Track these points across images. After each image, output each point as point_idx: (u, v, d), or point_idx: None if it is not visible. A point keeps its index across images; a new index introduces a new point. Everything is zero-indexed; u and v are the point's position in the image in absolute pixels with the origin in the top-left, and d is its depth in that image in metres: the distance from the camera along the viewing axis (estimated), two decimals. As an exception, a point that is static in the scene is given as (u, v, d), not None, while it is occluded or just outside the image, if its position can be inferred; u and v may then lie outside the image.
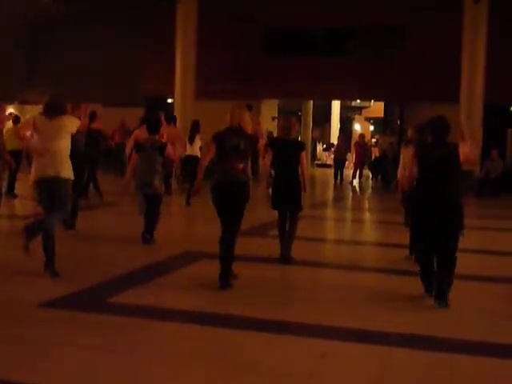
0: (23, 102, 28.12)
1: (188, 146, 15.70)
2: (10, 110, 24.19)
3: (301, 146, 9.12)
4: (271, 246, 9.33)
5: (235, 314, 6.58)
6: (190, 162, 15.48)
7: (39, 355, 5.20)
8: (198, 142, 15.62)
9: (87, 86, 25.84)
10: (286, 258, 8.91)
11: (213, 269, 8.38)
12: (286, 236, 8.98)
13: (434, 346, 5.81)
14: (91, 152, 15.26)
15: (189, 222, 13.50)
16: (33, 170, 7.81)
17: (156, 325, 6.16)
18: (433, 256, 7.20)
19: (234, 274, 7.64)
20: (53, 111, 7.85)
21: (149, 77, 25.87)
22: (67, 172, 7.75)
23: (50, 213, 7.68)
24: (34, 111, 22.84)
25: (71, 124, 7.90)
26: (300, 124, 34.84)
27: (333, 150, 29.78)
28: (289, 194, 8.93)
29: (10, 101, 28.13)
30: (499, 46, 21.91)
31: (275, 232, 9.29)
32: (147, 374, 4.92)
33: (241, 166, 7.35)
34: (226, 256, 7.46)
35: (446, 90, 22.49)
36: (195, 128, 15.69)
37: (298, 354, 5.44)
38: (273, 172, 9.16)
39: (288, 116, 10.03)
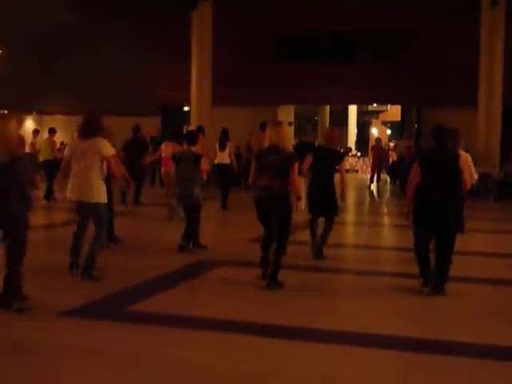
0: (41, 112, 28.33)
1: (218, 153, 15.79)
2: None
3: (341, 157, 9.88)
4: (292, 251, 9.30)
5: (252, 320, 6.57)
6: (221, 170, 15.73)
7: (57, 365, 5.21)
8: (227, 150, 15.71)
9: (102, 95, 25.99)
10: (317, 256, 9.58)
11: (230, 276, 8.41)
12: (320, 238, 9.66)
13: (445, 350, 5.78)
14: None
15: (212, 229, 13.46)
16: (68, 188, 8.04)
17: (175, 332, 6.16)
18: (428, 251, 7.74)
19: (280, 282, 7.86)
20: (84, 132, 7.88)
21: (164, 85, 25.95)
22: (95, 197, 7.83)
23: (93, 239, 7.95)
24: (51, 121, 23.11)
25: (101, 147, 7.84)
26: (317, 129, 34.93)
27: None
28: (325, 200, 9.49)
29: (28, 111, 28.34)
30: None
31: (295, 237, 9.32)
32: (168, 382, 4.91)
33: (276, 181, 7.67)
34: (275, 260, 7.84)
35: (464, 93, 22.38)
36: (225, 136, 15.81)
37: (316, 360, 5.42)
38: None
39: (332, 127, 10.96)
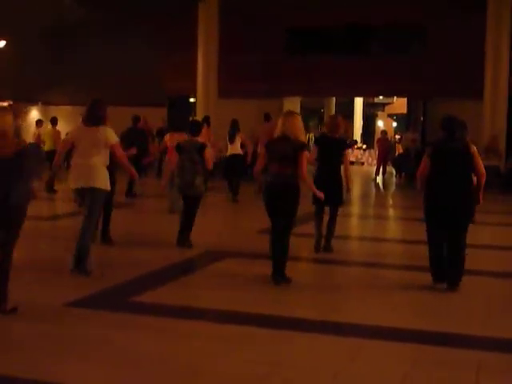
0: (46, 103, 28.32)
1: (228, 145, 15.93)
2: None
3: (345, 145, 9.71)
4: (297, 244, 9.30)
5: (257, 312, 6.56)
6: (233, 161, 15.81)
7: (64, 354, 5.22)
8: (238, 141, 15.81)
9: (108, 85, 25.92)
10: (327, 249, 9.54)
11: (236, 267, 8.39)
12: (327, 230, 9.57)
13: (455, 343, 5.79)
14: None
15: (216, 220, 13.45)
16: (70, 178, 7.95)
17: (178, 324, 6.16)
18: (442, 244, 7.60)
19: (287, 278, 7.72)
20: (89, 120, 7.86)
21: (171, 76, 25.89)
22: (98, 182, 7.78)
23: (84, 229, 7.78)
24: (57, 112, 23.11)
25: (108, 135, 7.85)
26: (322, 121, 34.87)
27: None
28: (329, 190, 9.18)
29: (34, 102, 28.33)
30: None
31: (297, 230, 9.26)
32: (170, 374, 4.92)
33: (288, 170, 7.62)
34: (279, 256, 7.68)
35: (470, 86, 22.28)
36: (235, 127, 15.84)
37: (322, 353, 5.42)
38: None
39: (334, 115, 10.80)
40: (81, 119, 8.12)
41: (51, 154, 16.65)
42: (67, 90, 27.64)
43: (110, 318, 6.26)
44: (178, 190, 10.10)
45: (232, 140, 15.76)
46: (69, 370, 4.95)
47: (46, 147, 16.92)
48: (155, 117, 23.21)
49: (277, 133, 7.81)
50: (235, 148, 15.80)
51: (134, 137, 16.26)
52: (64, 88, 27.68)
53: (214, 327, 6.09)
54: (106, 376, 4.85)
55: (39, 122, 19.75)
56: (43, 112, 27.74)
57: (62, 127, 19.52)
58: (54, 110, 26.38)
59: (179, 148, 10.08)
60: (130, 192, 16.08)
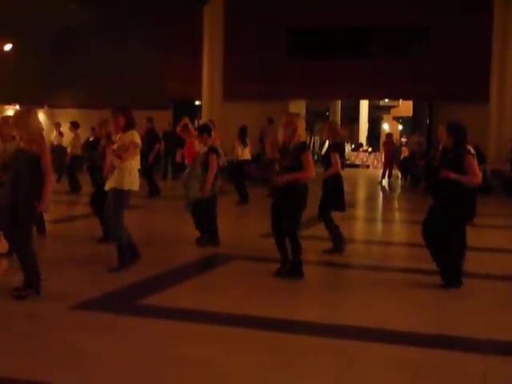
0: (52, 106, 28.36)
1: (242, 149, 16.51)
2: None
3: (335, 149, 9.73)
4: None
5: (260, 315, 6.56)
6: (244, 165, 16.52)
7: (69, 359, 5.22)
8: (249, 146, 16.73)
9: (114, 89, 25.94)
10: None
11: (240, 270, 8.39)
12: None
13: (459, 346, 5.77)
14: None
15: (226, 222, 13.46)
16: (128, 181, 8.07)
17: (186, 326, 6.16)
18: None
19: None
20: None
21: (176, 79, 25.93)
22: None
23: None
24: (63, 115, 23.13)
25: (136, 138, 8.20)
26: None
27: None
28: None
29: (40, 105, 28.35)
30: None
31: (302, 233, 9.26)
32: (177, 377, 4.90)
33: None
34: None
35: (476, 89, 22.26)
36: (245, 133, 16.64)
37: (327, 355, 5.41)
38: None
39: (331, 121, 11.20)
40: (127, 125, 8.35)
41: (74, 158, 17.09)
42: (72, 94, 27.67)
43: (114, 321, 6.26)
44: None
45: (245, 145, 16.48)
46: (68, 373, 4.94)
47: (76, 151, 17.42)
48: (160, 120, 23.18)
49: (303, 136, 7.97)
50: (247, 153, 16.56)
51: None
52: (69, 91, 27.70)
53: (216, 329, 6.08)
54: (105, 380, 4.85)
55: (58, 125, 20.04)
56: (49, 115, 27.77)
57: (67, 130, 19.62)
58: (60, 114, 26.47)
59: (216, 151, 10.18)
60: (157, 192, 16.70)
